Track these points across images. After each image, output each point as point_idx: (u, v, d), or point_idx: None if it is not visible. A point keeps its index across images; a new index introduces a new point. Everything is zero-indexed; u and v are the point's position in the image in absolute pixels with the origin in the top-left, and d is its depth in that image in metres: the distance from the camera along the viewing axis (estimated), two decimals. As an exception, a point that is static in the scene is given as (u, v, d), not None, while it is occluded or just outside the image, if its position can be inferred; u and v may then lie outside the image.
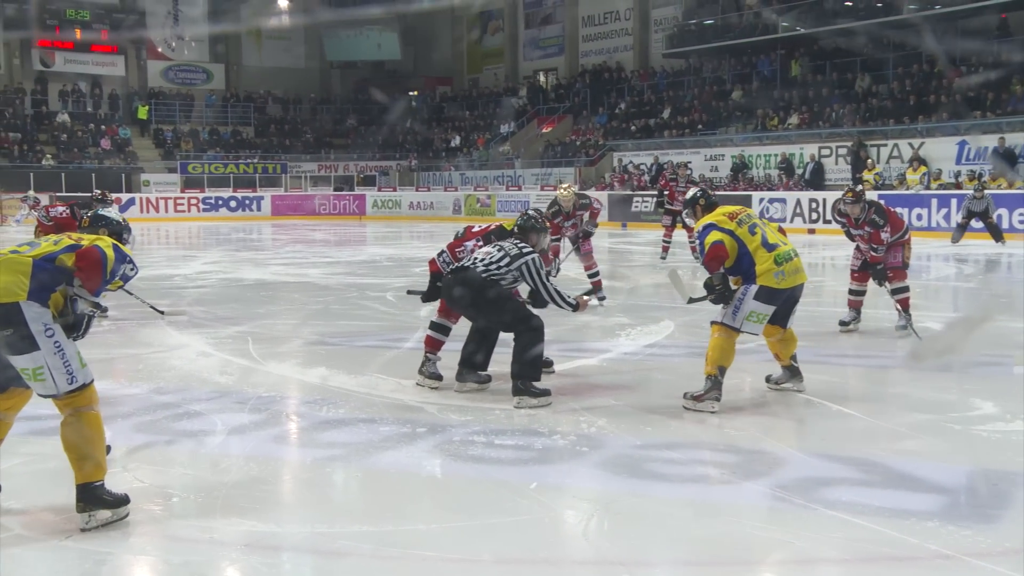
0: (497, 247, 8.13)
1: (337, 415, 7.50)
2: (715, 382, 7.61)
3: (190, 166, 44.71)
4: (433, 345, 8.63)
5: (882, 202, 11.44)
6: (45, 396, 5.40)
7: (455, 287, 8.12)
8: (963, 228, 22.81)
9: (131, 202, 39.98)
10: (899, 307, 10.99)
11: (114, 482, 6.15)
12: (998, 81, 29.72)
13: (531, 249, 8.12)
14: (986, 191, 22.93)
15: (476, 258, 8.14)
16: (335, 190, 44.81)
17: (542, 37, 46.94)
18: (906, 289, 10.95)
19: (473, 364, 8.43)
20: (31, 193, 35.58)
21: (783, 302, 7.74)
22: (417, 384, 8.46)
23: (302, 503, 5.97)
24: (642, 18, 41.99)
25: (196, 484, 6.17)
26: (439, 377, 8.48)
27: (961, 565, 4.78)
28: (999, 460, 6.42)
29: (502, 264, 7.98)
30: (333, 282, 17.13)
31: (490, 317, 8.31)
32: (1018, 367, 9.37)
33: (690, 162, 29.10)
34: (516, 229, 8.47)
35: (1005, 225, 23.37)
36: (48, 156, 42.30)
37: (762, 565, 4.97)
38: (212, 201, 41.79)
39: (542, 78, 46.71)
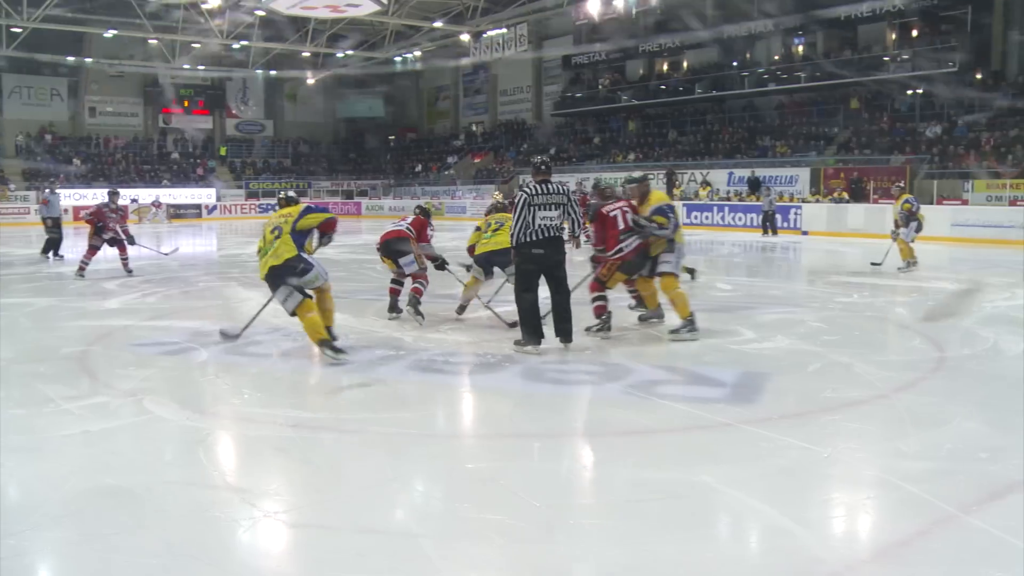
0: (534, 209, 6.69)
1: (347, 343, 7.33)
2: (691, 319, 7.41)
3: (251, 184, 44.15)
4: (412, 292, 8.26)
5: (609, 210, 7.76)
6: (318, 286, 6.88)
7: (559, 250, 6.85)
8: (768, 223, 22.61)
9: (214, 208, 39.35)
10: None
11: (210, 384, 6.10)
12: (750, 136, 30.12)
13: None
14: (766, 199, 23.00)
15: (547, 225, 6.72)
16: (343, 198, 44.39)
17: (474, 102, 46.41)
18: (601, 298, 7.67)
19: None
20: (158, 199, 36.54)
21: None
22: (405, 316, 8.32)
23: (327, 398, 5.89)
24: (537, 90, 41.76)
25: (260, 383, 6.09)
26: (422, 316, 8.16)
27: (737, 431, 4.82)
28: (756, 365, 6.48)
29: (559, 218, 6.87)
30: (343, 258, 16.91)
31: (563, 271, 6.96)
32: (764, 311, 9.43)
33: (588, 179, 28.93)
34: (508, 204, 8.07)
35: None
36: (165, 180, 41.85)
37: (616, 434, 4.96)
38: (264, 206, 40.97)
39: (475, 128, 46.22)
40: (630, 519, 3.65)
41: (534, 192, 6.74)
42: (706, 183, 28.46)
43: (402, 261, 8.41)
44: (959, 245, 18.63)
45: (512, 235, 6.80)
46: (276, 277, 6.70)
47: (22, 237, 24.48)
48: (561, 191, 6.85)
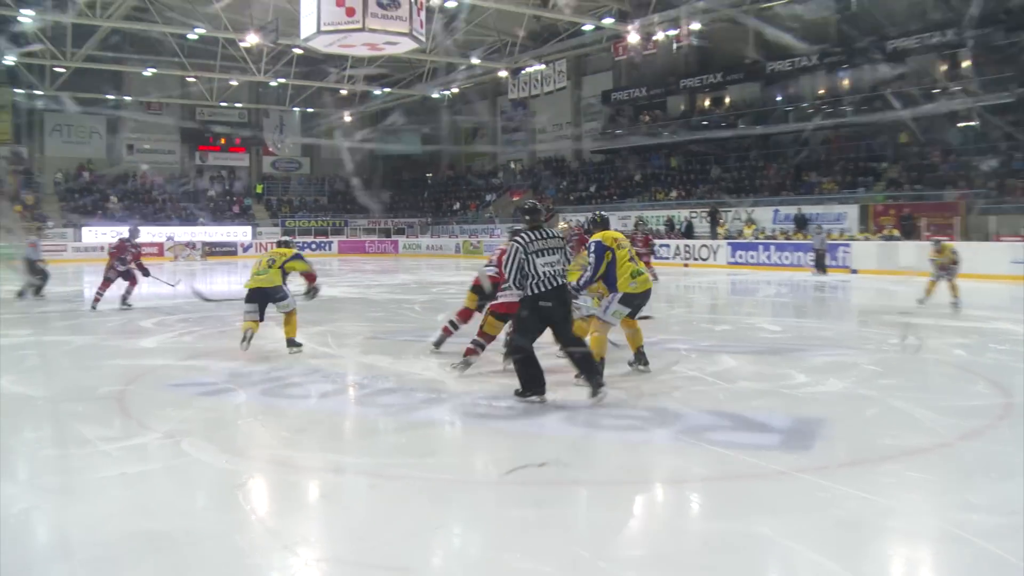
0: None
1: (387, 385, 7.37)
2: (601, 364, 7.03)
3: (288, 222, 44.72)
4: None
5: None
6: (288, 311, 9.33)
7: (565, 302, 6.68)
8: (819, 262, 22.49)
9: (249, 246, 39.85)
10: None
11: (249, 426, 6.11)
12: (796, 172, 29.94)
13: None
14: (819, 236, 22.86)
15: (550, 272, 6.54)
16: (380, 236, 44.81)
17: (513, 139, 46.75)
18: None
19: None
20: (194, 241, 37.55)
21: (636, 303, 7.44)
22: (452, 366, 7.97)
23: (368, 443, 5.88)
24: (577, 127, 41.92)
25: (299, 426, 6.09)
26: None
27: (792, 480, 4.72)
28: (809, 410, 6.37)
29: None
30: (380, 298, 16.97)
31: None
32: (815, 353, 9.31)
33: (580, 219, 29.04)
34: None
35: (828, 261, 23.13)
36: (201, 218, 42.62)
37: (667, 482, 4.89)
38: (300, 244, 41.50)
39: (513, 165, 46.50)
40: (683, 572, 3.57)
41: (529, 240, 6.52)
42: (751, 221, 28.32)
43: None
44: (1018, 283, 18.28)
45: (511, 285, 6.61)
46: (262, 295, 9.12)
47: (59, 274, 24.92)
48: (556, 235, 6.70)
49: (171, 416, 6.33)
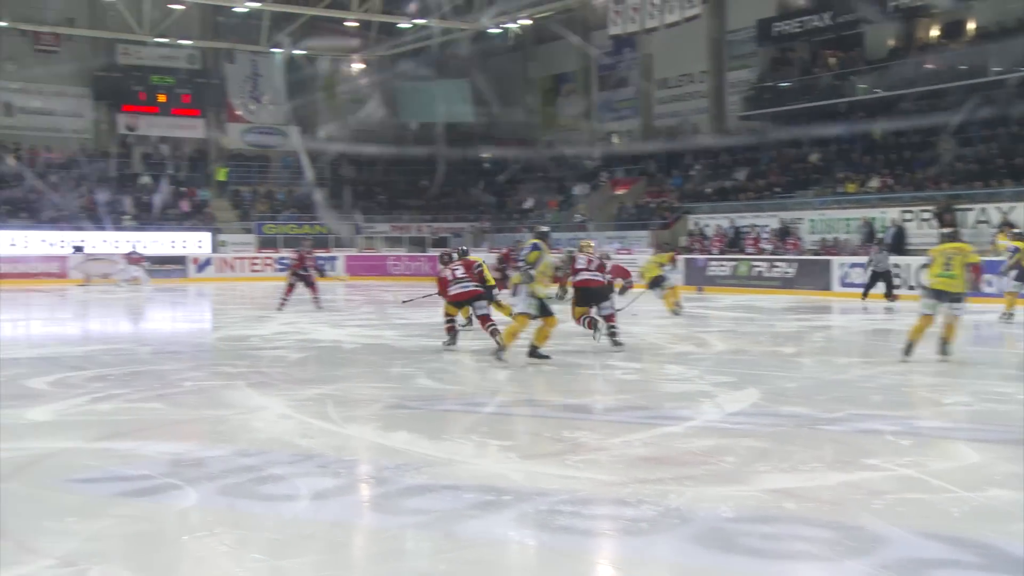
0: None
1: (420, 481, 7.38)
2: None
3: (265, 227, 45.22)
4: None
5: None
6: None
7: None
8: None
9: (207, 262, 40.51)
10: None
11: (200, 545, 6.15)
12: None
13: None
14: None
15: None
16: (411, 249, 45.16)
17: (616, 99, 46.95)
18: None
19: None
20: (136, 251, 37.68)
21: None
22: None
23: (386, 569, 5.85)
24: (717, 80, 41.80)
25: (280, 551, 6.09)
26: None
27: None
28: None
29: None
30: (409, 344, 17.05)
31: None
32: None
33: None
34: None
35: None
36: (128, 217, 43.07)
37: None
38: (287, 262, 42.08)
39: (616, 140, 46.70)
40: None
41: None
42: (1007, 225, 27.73)
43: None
44: None
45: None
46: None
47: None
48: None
49: (72, 531, 6.35)
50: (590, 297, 15.85)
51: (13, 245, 39.52)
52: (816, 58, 37.10)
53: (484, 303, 15.45)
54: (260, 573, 5.72)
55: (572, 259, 17.17)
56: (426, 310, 20.68)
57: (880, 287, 25.20)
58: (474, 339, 16.40)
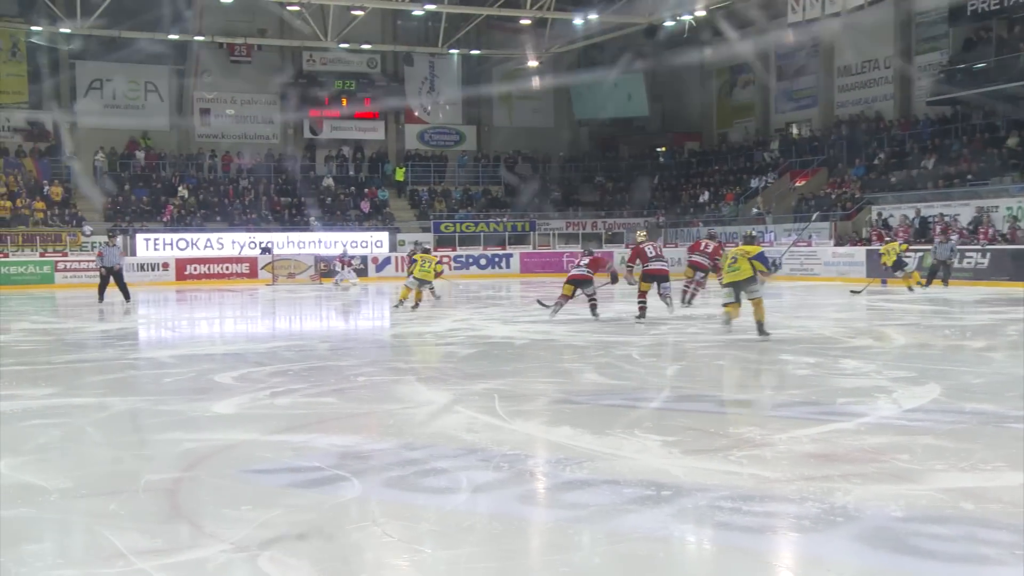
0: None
1: (580, 475, 7.34)
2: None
3: (443, 225, 45.70)
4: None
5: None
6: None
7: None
8: None
9: (387, 261, 41.06)
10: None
11: (363, 535, 6.22)
12: None
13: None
14: None
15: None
16: (583, 247, 45.12)
17: (795, 89, 46.28)
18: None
19: None
20: (347, 253, 38.71)
21: None
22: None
23: (546, 566, 5.81)
24: (905, 61, 40.82)
25: (441, 542, 6.11)
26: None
27: None
28: None
29: None
30: (579, 340, 17.00)
31: None
32: None
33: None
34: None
35: None
36: (313, 218, 44.08)
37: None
38: (463, 259, 42.59)
39: (795, 130, 46.02)
40: None
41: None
42: None
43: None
44: None
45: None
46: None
47: (96, 304, 26.32)
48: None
49: (247, 519, 6.47)
50: (656, 279, 20.08)
51: (208, 247, 40.96)
52: (1013, 35, 35.95)
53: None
54: (420, 564, 5.73)
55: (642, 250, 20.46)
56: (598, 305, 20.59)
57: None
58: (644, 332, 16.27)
